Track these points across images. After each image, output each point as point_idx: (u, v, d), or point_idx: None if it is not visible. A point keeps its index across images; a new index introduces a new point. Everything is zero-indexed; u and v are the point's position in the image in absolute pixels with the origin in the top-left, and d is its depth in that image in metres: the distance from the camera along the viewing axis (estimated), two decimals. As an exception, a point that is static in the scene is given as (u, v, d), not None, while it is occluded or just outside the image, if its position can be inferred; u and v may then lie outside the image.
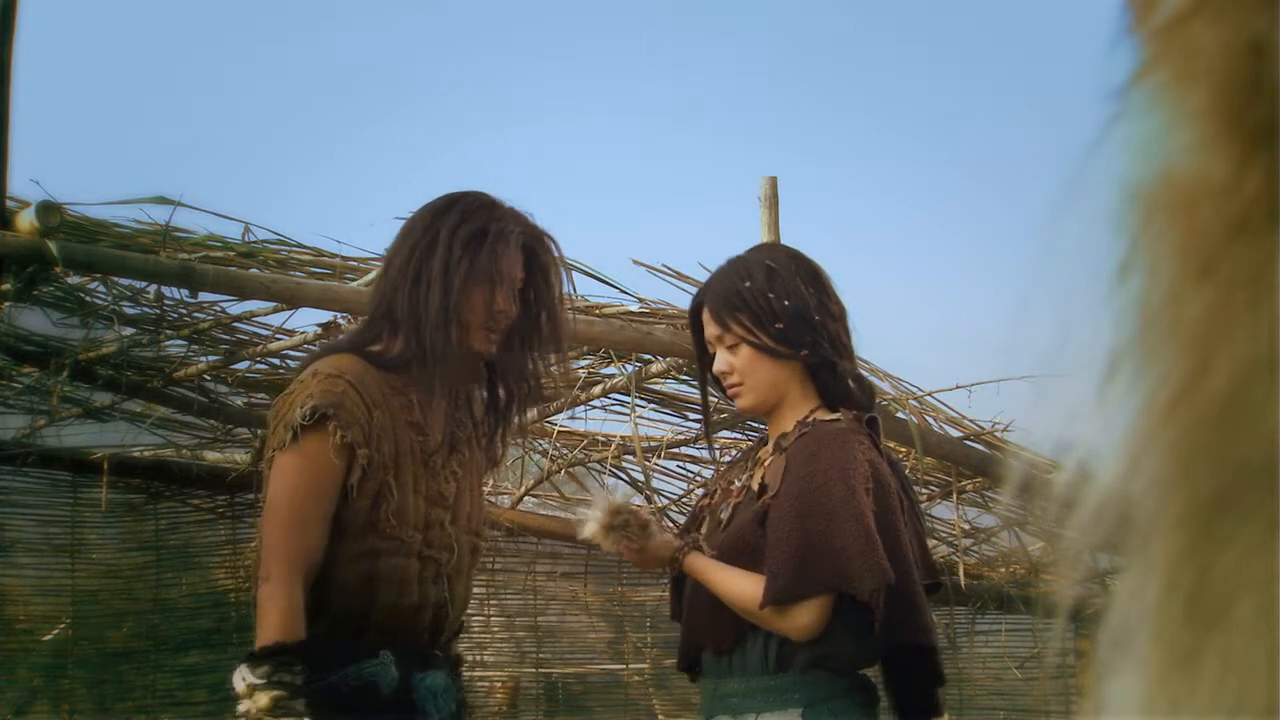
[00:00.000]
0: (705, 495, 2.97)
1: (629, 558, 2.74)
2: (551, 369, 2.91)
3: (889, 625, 2.56)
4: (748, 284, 2.70)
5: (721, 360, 2.74)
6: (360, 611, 2.61)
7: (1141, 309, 0.56)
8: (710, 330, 2.75)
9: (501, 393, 2.84)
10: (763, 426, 2.92)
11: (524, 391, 2.82)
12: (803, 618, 2.56)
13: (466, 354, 2.70)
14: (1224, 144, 0.55)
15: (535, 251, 2.75)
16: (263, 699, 2.37)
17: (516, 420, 2.87)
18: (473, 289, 2.65)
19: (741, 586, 2.60)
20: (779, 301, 2.68)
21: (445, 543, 2.71)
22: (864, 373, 2.89)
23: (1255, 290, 0.53)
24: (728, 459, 3.80)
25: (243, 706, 2.40)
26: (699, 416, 5.04)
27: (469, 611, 4.68)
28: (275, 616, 2.44)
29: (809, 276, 2.73)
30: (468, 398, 2.84)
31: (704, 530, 2.83)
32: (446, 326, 2.63)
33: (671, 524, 5.37)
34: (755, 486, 2.71)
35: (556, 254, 2.80)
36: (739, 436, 5.06)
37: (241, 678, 2.40)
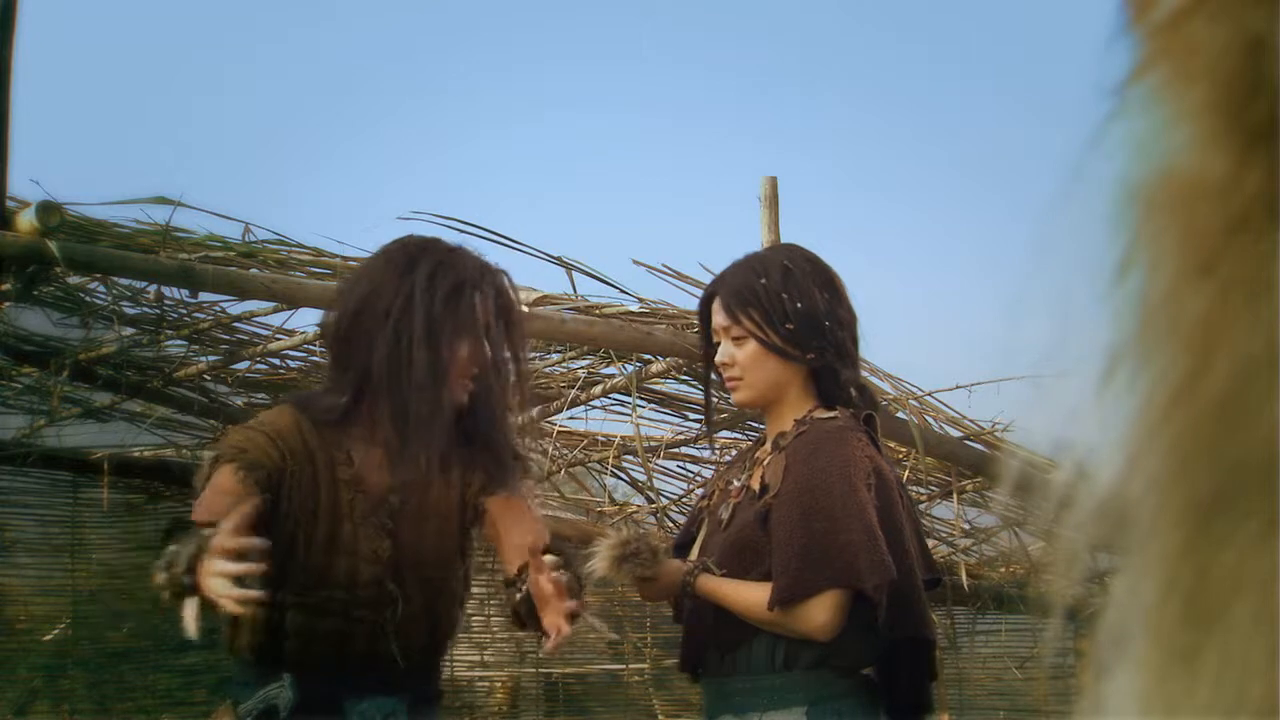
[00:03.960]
0: (703, 497, 2.97)
1: (640, 589, 2.72)
2: (522, 407, 2.86)
3: (891, 620, 2.57)
4: (763, 281, 2.71)
5: (725, 352, 2.74)
6: (269, 653, 2.66)
7: (1140, 307, 0.56)
8: (718, 320, 2.75)
9: (475, 436, 2.79)
10: (762, 427, 2.92)
11: (496, 431, 2.79)
12: (818, 616, 2.56)
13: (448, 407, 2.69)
14: (1223, 142, 0.54)
15: (499, 294, 2.74)
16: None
17: (504, 458, 2.82)
18: (456, 344, 2.65)
19: (753, 596, 2.60)
20: (792, 303, 2.69)
21: (383, 599, 2.69)
22: (866, 380, 2.89)
23: (1254, 288, 0.53)
24: (728, 459, 3.80)
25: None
26: (699, 416, 5.04)
27: (469, 612, 4.68)
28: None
29: (824, 282, 2.74)
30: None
31: (703, 532, 2.83)
32: (437, 387, 2.62)
33: (672, 524, 5.38)
34: (755, 486, 2.71)
35: (514, 292, 2.79)
36: (739, 436, 5.05)
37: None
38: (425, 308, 2.63)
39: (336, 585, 2.65)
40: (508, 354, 2.75)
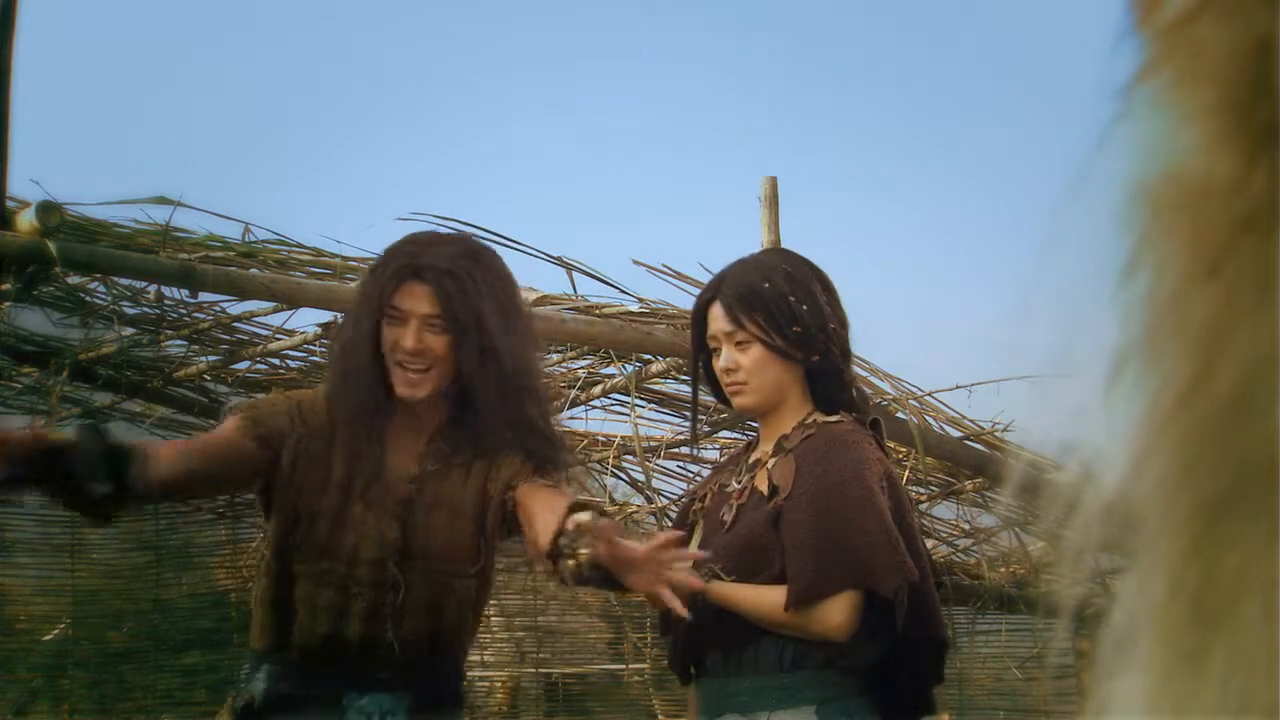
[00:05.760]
0: (694, 500, 2.94)
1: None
2: (513, 395, 2.70)
3: (907, 621, 2.57)
4: (767, 285, 2.68)
5: (728, 358, 2.71)
6: (276, 632, 2.68)
7: (1147, 308, 0.56)
8: (719, 326, 2.72)
9: (466, 433, 2.75)
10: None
11: (486, 429, 2.71)
12: (834, 616, 2.56)
13: (390, 396, 2.68)
14: (1230, 143, 0.54)
15: (440, 281, 2.61)
16: None
17: (500, 456, 2.75)
18: (380, 328, 2.64)
19: (768, 599, 2.59)
20: (798, 305, 2.67)
21: (384, 582, 2.67)
22: (858, 381, 2.90)
23: (1261, 290, 0.53)
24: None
25: None
26: (699, 416, 5.04)
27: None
28: None
29: (823, 284, 2.74)
30: (449, 434, 2.76)
31: (697, 534, 2.81)
32: (345, 366, 2.68)
33: (671, 525, 5.37)
34: (763, 488, 2.70)
35: (478, 277, 2.63)
36: (739, 436, 5.05)
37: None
38: (358, 291, 2.76)
39: (338, 559, 2.67)
40: (493, 343, 2.63)
